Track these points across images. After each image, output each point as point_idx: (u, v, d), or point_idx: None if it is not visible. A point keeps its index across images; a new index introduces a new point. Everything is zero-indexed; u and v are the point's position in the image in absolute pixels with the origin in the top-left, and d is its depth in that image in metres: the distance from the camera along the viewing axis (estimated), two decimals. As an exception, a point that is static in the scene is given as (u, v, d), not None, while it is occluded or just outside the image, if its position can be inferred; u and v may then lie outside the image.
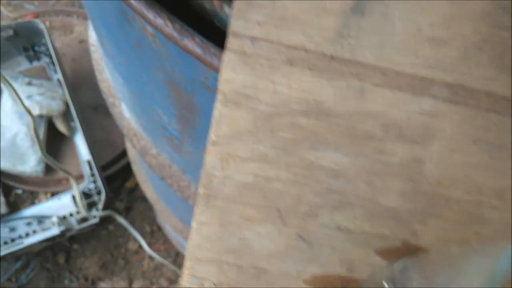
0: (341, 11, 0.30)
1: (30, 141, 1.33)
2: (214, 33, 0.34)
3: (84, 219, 1.30)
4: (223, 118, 0.28)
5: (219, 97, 0.29)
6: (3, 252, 1.19)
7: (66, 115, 1.36)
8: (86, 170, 1.33)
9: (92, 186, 1.32)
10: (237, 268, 0.27)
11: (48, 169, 1.37)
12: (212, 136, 0.28)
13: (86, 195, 1.30)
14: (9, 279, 1.36)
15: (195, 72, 0.37)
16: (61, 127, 1.35)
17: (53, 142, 1.36)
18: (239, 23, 0.30)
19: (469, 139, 0.29)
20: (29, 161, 1.34)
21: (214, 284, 0.27)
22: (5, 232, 1.27)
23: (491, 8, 0.31)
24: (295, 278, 0.28)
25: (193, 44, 0.31)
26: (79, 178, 1.34)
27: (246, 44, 0.29)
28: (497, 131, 0.29)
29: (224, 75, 0.29)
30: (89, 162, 1.32)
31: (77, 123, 1.30)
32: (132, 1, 0.32)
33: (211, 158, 0.28)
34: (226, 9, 0.33)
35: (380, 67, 0.30)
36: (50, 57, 1.35)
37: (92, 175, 1.32)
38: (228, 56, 0.29)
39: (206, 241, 0.27)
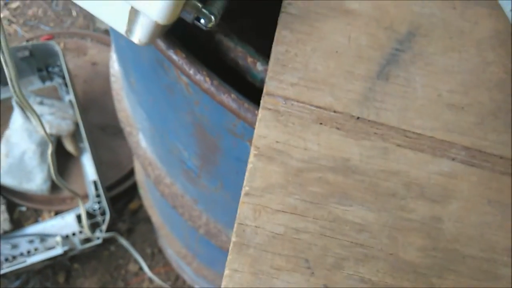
0: (367, 76, 0.33)
1: (38, 159, 1.34)
2: (246, 87, 0.36)
3: (87, 240, 1.31)
4: (257, 171, 0.31)
5: (253, 151, 0.31)
6: (5, 270, 1.19)
7: (75, 136, 1.38)
8: (91, 191, 1.35)
9: (96, 206, 1.33)
10: (265, 314, 0.29)
11: (53, 188, 1.38)
12: (246, 187, 0.30)
13: (90, 215, 1.31)
14: (8, 297, 1.36)
15: (224, 120, 0.40)
16: (69, 147, 1.37)
17: (60, 161, 1.38)
18: (274, 83, 0.32)
19: (484, 200, 0.31)
20: (35, 179, 1.35)
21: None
22: (7, 249, 1.28)
23: (506, 78, 0.34)
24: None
25: (229, 99, 0.34)
26: (84, 198, 1.35)
27: (279, 103, 0.32)
28: (509, 192, 0.32)
29: (258, 131, 0.31)
30: (95, 183, 1.34)
31: (85, 144, 1.32)
32: (174, 56, 0.34)
33: (244, 209, 0.30)
34: (259, 66, 0.35)
35: (403, 129, 0.32)
36: (63, 78, 1.38)
37: (98, 195, 1.33)
38: (262, 114, 0.32)
39: (238, 288, 0.28)
